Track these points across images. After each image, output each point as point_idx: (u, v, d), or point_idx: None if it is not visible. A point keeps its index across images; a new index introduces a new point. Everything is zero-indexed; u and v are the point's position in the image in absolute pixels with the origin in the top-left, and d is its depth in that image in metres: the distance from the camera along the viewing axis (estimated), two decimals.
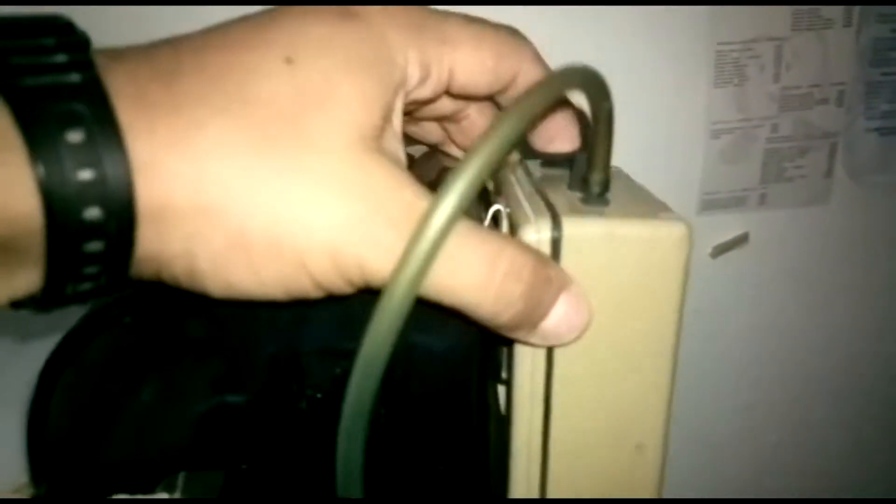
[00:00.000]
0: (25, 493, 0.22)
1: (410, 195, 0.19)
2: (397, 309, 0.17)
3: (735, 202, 0.52)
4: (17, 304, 0.18)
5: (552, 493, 0.25)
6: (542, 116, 0.25)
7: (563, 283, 0.22)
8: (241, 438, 0.24)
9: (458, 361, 0.25)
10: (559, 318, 0.22)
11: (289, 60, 0.19)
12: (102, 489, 0.21)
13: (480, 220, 0.26)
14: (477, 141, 0.18)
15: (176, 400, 0.23)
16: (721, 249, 0.54)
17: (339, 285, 0.19)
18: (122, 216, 0.16)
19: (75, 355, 0.21)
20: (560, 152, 0.26)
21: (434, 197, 0.18)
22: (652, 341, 0.24)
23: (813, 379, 0.61)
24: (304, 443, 0.23)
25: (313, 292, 0.19)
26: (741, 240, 0.54)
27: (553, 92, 0.19)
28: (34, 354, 0.22)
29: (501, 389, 0.27)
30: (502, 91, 0.23)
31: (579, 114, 0.26)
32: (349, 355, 0.18)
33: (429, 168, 0.29)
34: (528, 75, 0.23)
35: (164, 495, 0.21)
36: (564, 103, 0.26)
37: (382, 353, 0.17)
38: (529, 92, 0.19)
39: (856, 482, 0.66)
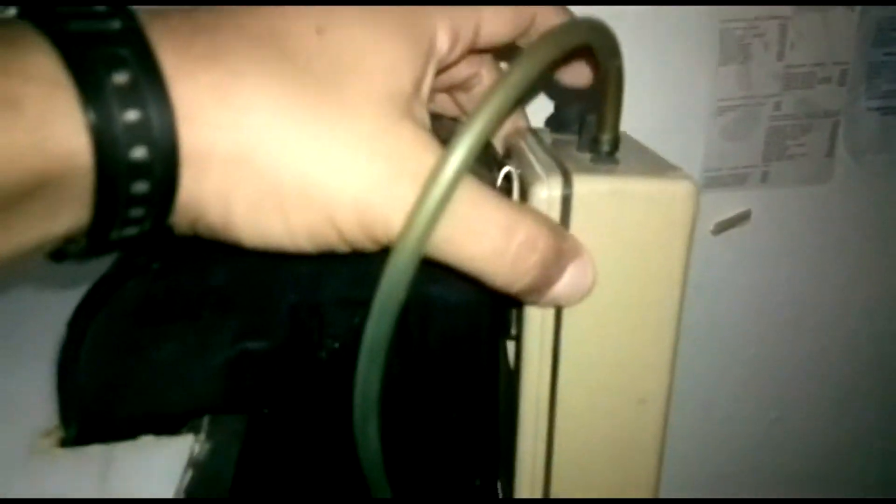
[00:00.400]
0: (56, 436, 0.23)
1: (433, 158, 0.19)
2: (412, 249, 0.18)
3: (737, 180, 0.53)
4: (59, 256, 0.18)
5: (559, 445, 0.26)
6: (552, 65, 0.26)
7: (575, 252, 0.22)
8: (263, 385, 0.24)
9: (472, 314, 0.25)
10: (567, 282, 0.22)
11: (320, 31, 0.19)
12: (129, 431, 0.22)
13: (493, 181, 0.26)
14: (478, 103, 0.18)
15: (200, 347, 0.23)
16: (723, 226, 0.54)
17: (364, 242, 0.20)
18: (166, 157, 0.17)
19: (105, 301, 0.22)
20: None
21: (442, 153, 0.18)
22: (657, 297, 0.24)
23: (812, 356, 0.61)
24: (324, 389, 0.24)
25: (340, 246, 0.20)
26: (743, 217, 0.54)
27: (558, 47, 0.20)
28: (63, 302, 0.23)
29: (511, 345, 0.27)
30: (521, 36, 0.24)
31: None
32: (367, 304, 0.18)
33: (437, 128, 0.30)
34: (544, 16, 0.24)
35: (189, 437, 0.22)
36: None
37: (398, 291, 0.18)
38: (534, 47, 0.19)
39: (852, 462, 0.67)
